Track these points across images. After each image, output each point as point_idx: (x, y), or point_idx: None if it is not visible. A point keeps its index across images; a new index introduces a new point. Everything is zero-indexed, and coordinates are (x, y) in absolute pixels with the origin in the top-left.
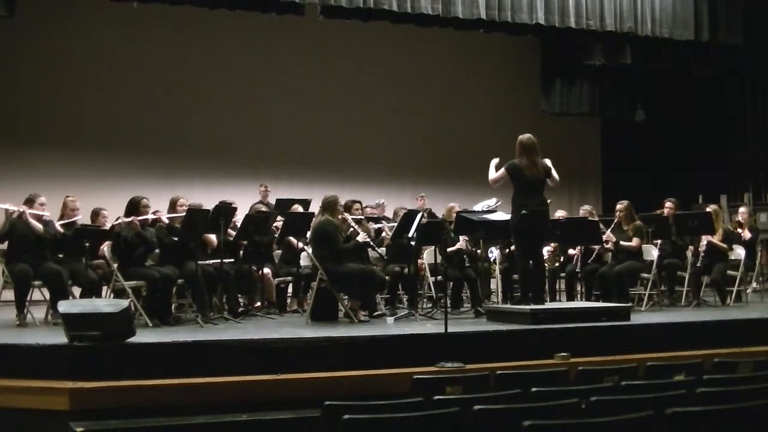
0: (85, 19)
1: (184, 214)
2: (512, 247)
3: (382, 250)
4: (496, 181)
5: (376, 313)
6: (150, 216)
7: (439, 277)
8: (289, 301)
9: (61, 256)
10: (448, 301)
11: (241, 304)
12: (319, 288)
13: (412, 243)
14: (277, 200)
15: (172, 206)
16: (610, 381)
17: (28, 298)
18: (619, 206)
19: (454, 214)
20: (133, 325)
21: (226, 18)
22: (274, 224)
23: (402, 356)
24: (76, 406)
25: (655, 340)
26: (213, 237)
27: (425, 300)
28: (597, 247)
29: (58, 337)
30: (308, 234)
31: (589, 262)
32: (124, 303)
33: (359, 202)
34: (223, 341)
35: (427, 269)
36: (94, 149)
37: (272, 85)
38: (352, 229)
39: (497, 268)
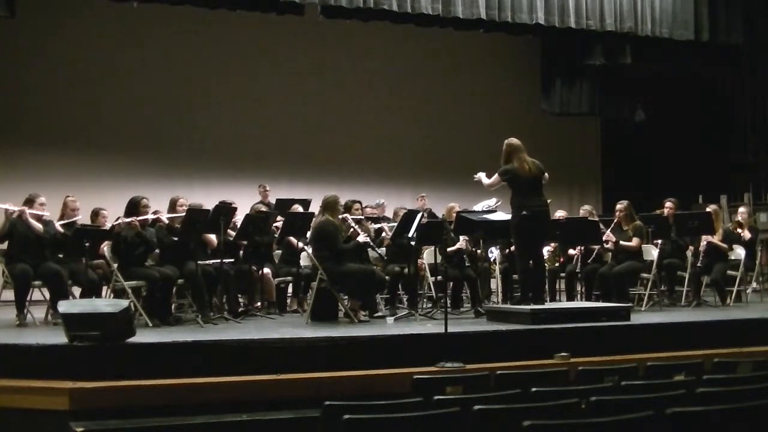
0: (85, 19)
1: (184, 214)
2: (512, 247)
3: (382, 250)
4: (491, 186)
5: (376, 314)
6: (150, 216)
7: (439, 277)
8: (289, 301)
9: (61, 256)
10: (448, 301)
11: (241, 304)
12: (319, 288)
13: (412, 243)
14: (277, 200)
15: (172, 206)
16: (610, 381)
17: (28, 298)
18: (619, 206)
19: (454, 214)
20: (133, 325)
21: (226, 18)
22: (274, 224)
23: (402, 356)
24: (76, 406)
25: (655, 340)
26: (213, 237)
27: (425, 300)
28: (597, 247)
29: (58, 337)
30: (308, 234)
31: (589, 262)
32: (124, 303)
33: (359, 202)
34: (223, 341)
35: (427, 269)
36: (94, 149)
37: (272, 85)
38: (352, 229)
39: (497, 268)
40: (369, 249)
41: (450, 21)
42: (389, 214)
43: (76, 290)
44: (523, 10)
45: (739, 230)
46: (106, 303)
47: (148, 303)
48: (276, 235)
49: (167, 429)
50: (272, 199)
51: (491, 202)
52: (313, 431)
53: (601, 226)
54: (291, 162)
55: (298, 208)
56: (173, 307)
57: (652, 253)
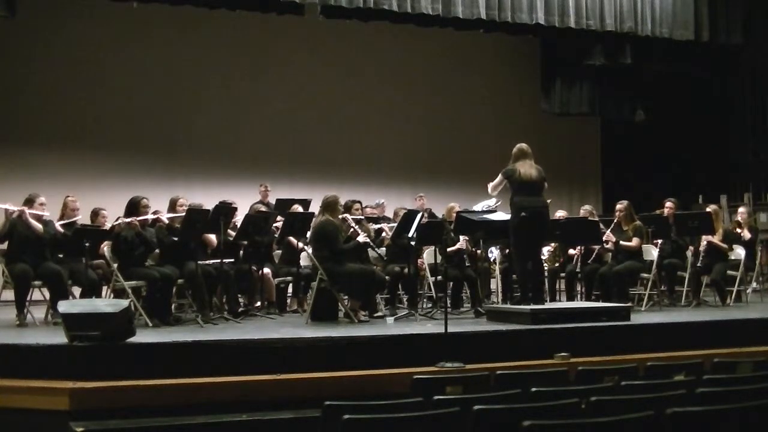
0: (85, 19)
1: (184, 214)
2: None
3: (382, 250)
4: (495, 187)
5: (376, 314)
6: (150, 216)
7: (439, 277)
8: (289, 301)
9: (61, 256)
10: (448, 301)
11: (241, 304)
12: (319, 288)
13: (412, 243)
14: (277, 200)
15: (172, 206)
16: (610, 381)
17: (28, 298)
18: (619, 206)
19: (454, 214)
20: (133, 325)
21: (226, 18)
22: (274, 224)
23: (402, 356)
24: (76, 406)
25: (655, 340)
26: (213, 237)
27: (425, 300)
28: (597, 247)
29: (58, 337)
30: (308, 234)
31: (589, 262)
32: (124, 303)
33: (359, 202)
34: (223, 341)
35: (427, 269)
36: (94, 149)
37: (272, 85)
38: (352, 229)
39: (497, 268)
40: (369, 249)
41: (450, 21)
42: (389, 214)
43: (76, 290)
44: (523, 10)
45: (738, 230)
46: (106, 303)
47: (148, 303)
48: (276, 235)
49: (167, 429)
50: (272, 199)
51: (491, 202)
52: (313, 431)
53: (601, 226)
54: (291, 162)
55: (298, 208)
56: (173, 307)
57: (652, 253)
